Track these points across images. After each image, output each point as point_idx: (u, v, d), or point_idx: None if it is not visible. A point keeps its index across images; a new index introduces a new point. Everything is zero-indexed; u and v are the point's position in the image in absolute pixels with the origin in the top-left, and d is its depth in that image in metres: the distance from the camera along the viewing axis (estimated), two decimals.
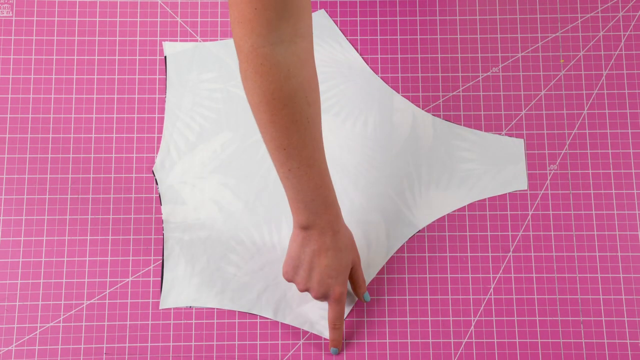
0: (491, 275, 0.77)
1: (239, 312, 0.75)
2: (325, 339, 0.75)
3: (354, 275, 0.72)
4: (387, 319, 0.76)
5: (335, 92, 0.81)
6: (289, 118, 0.60)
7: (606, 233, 0.78)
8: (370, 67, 0.83)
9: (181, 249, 0.76)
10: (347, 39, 0.83)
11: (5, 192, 0.78)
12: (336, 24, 0.84)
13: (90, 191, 0.79)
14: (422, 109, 0.82)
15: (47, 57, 0.82)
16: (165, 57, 0.82)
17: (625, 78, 0.82)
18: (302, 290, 0.70)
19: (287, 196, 0.66)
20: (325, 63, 0.81)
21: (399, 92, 0.82)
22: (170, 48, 0.82)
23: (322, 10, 0.84)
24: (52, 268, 0.76)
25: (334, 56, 0.82)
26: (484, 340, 0.75)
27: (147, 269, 0.77)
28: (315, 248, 0.67)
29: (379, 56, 0.83)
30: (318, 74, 0.80)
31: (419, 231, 0.78)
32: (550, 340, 0.75)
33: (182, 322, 0.75)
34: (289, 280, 0.70)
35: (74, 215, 0.78)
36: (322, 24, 0.83)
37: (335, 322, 0.71)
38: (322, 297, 0.69)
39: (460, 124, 0.81)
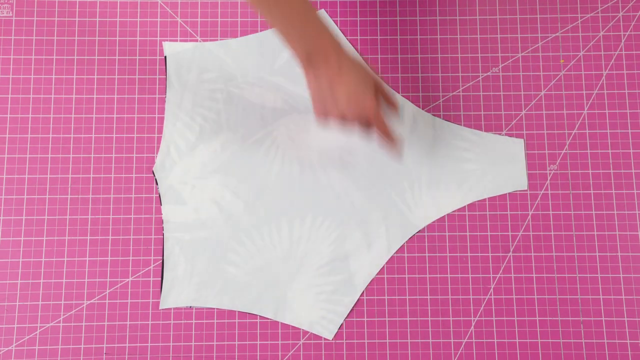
0: (491, 275, 0.77)
1: (239, 312, 0.75)
2: (325, 339, 0.75)
3: (381, 92, 0.72)
4: (387, 319, 0.76)
5: None
6: None
7: (606, 233, 0.78)
8: (371, 67, 0.83)
9: (181, 249, 0.76)
10: (347, 39, 0.83)
11: (5, 192, 0.78)
12: (336, 24, 0.84)
13: (90, 191, 0.79)
14: (422, 109, 0.82)
15: (47, 57, 0.82)
16: (165, 57, 0.82)
17: (625, 78, 0.82)
18: (340, 119, 0.69)
19: (281, 34, 0.65)
20: None
21: (399, 92, 0.82)
22: (170, 48, 0.82)
23: (322, 10, 0.84)
24: (52, 268, 0.76)
25: None
26: (484, 340, 0.75)
27: (147, 269, 0.77)
28: (329, 74, 0.67)
29: (379, 56, 0.83)
30: None
31: (419, 231, 0.78)
32: (550, 340, 0.75)
33: (182, 322, 0.75)
34: (325, 117, 0.70)
35: (74, 215, 0.78)
36: None
37: (382, 135, 0.71)
38: (359, 116, 0.68)
39: (461, 124, 0.81)
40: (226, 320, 0.75)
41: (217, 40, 0.83)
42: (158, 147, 0.80)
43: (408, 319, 0.76)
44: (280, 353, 0.75)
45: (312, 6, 0.65)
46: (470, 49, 0.83)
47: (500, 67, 0.83)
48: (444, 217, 0.78)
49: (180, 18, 0.84)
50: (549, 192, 0.79)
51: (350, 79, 0.67)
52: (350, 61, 0.67)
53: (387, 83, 0.82)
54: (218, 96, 0.81)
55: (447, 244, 0.78)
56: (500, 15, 0.84)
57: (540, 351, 0.75)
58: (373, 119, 0.69)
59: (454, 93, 0.82)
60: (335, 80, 0.67)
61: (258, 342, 0.75)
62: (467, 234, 0.78)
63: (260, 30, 0.84)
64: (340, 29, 0.84)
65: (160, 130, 0.81)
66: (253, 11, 0.81)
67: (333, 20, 0.84)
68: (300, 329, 0.75)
